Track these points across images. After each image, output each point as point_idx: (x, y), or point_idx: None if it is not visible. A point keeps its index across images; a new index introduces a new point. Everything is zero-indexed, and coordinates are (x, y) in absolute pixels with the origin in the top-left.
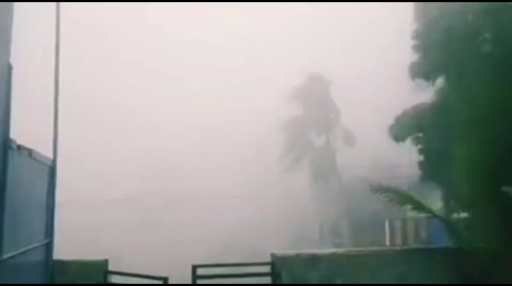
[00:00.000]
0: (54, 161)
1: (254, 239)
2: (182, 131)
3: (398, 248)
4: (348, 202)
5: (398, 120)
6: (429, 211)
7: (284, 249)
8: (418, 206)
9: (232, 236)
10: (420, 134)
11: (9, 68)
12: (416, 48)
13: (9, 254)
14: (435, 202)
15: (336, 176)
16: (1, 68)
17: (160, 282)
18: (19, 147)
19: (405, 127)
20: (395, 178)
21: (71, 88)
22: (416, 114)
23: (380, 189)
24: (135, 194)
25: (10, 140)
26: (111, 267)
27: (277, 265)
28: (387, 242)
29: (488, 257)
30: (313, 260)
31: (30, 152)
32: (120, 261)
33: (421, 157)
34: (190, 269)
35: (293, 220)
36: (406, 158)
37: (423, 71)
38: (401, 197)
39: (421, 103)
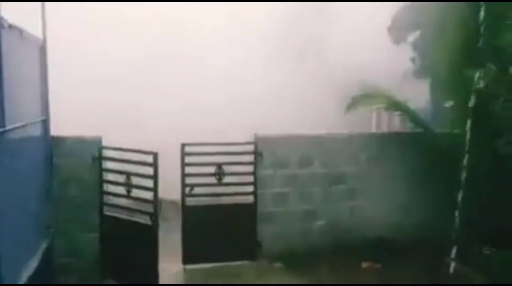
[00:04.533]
0: (44, 41)
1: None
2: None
3: (373, 132)
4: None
5: (396, 21)
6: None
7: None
8: (405, 111)
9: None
10: (417, 32)
11: None
12: None
13: (12, 126)
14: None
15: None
16: None
17: (150, 156)
18: (10, 26)
19: (403, 27)
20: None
21: None
22: (415, 10)
23: (365, 97)
24: (124, 74)
25: (1, 18)
26: (104, 143)
27: (259, 145)
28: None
29: (456, 138)
30: (294, 141)
31: (20, 31)
32: (110, 137)
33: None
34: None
35: (279, 101)
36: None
37: None
38: (389, 103)
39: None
